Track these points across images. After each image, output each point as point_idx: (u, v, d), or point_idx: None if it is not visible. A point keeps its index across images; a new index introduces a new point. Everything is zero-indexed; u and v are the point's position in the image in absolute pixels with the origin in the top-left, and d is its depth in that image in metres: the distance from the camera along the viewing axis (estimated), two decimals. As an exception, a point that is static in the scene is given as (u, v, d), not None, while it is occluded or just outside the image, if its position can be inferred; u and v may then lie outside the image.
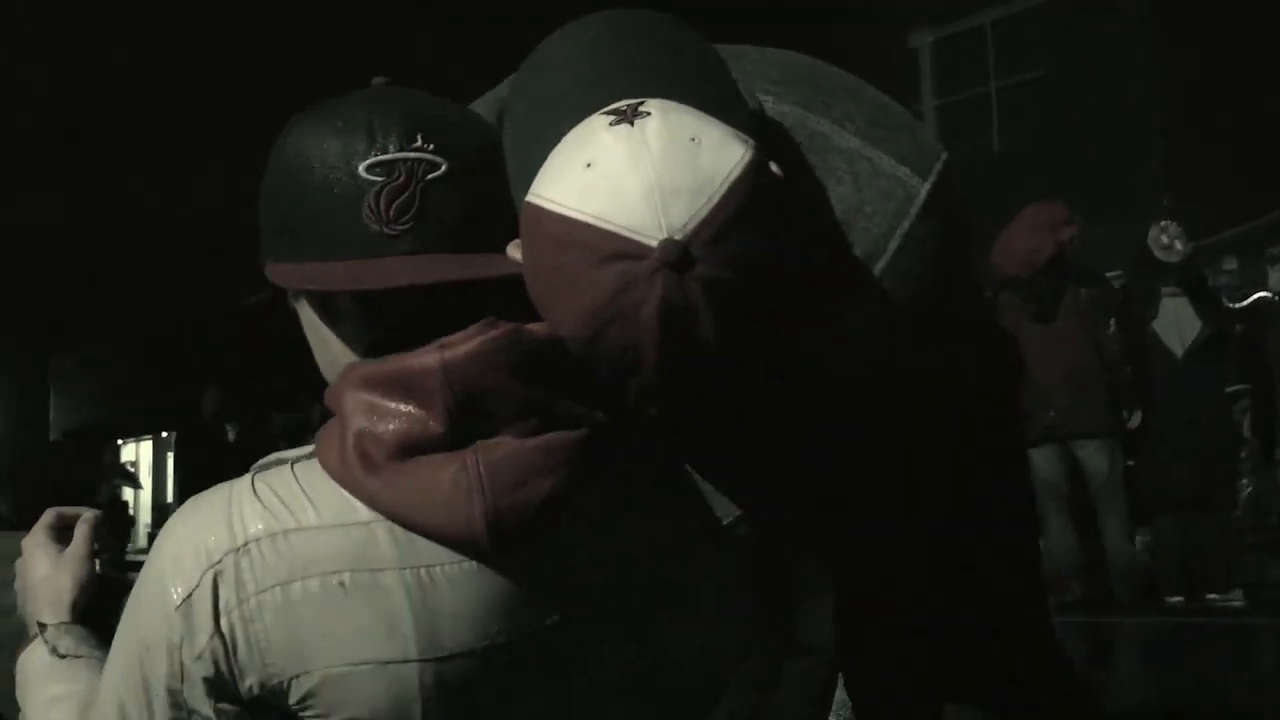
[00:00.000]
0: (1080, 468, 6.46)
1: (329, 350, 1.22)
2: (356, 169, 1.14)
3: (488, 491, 1.06)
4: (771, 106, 1.33)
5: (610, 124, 1.06)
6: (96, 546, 1.40)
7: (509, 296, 1.12)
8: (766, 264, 1.06)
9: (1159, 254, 6.48)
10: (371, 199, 1.13)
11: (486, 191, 1.17)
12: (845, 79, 1.42)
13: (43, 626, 1.33)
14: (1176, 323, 6.47)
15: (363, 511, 1.09)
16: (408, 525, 1.08)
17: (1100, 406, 6.38)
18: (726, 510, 1.21)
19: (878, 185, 1.30)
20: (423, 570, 1.08)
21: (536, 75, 1.23)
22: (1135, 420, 6.46)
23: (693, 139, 1.05)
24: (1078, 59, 13.05)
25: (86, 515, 1.44)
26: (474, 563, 1.09)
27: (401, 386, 1.09)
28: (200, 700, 1.09)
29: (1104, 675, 5.00)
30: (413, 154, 1.14)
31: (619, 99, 1.09)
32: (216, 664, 1.08)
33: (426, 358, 1.08)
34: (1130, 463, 6.68)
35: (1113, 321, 6.40)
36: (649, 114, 1.06)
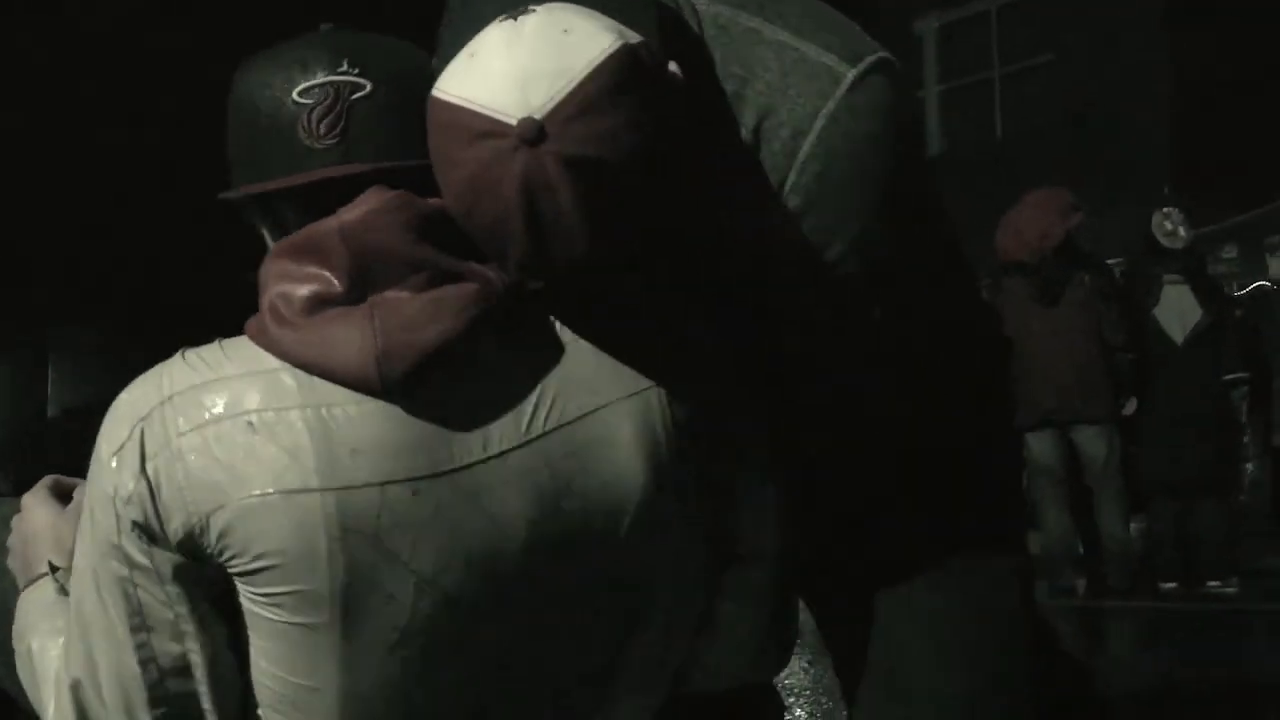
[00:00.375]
0: (1077, 453, 6.47)
1: None
2: (291, 94, 1.28)
3: (378, 336, 1.16)
4: (705, 8, 1.38)
5: (499, 21, 1.16)
6: None
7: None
8: (631, 145, 1.12)
9: (1163, 240, 6.48)
10: (304, 118, 1.27)
11: (412, 109, 1.26)
12: None
13: (54, 567, 1.39)
14: (1178, 310, 6.47)
15: (272, 361, 1.20)
16: (311, 369, 1.18)
17: (1101, 393, 6.38)
18: (638, 382, 1.25)
19: (803, 70, 1.33)
20: (324, 409, 1.17)
21: None
22: (1131, 407, 6.46)
23: (565, 30, 1.13)
24: (1082, 46, 13.02)
25: (83, 483, 1.49)
26: (374, 404, 1.17)
27: (307, 251, 1.21)
28: (134, 547, 1.19)
29: (1097, 660, 5.01)
30: (339, 77, 1.27)
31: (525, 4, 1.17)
32: (143, 507, 1.18)
33: (327, 223, 1.21)
34: (1131, 448, 6.69)
35: (1115, 308, 6.39)
36: (534, 11, 1.15)
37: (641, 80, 1.14)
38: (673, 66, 1.19)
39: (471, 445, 1.20)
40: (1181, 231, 6.47)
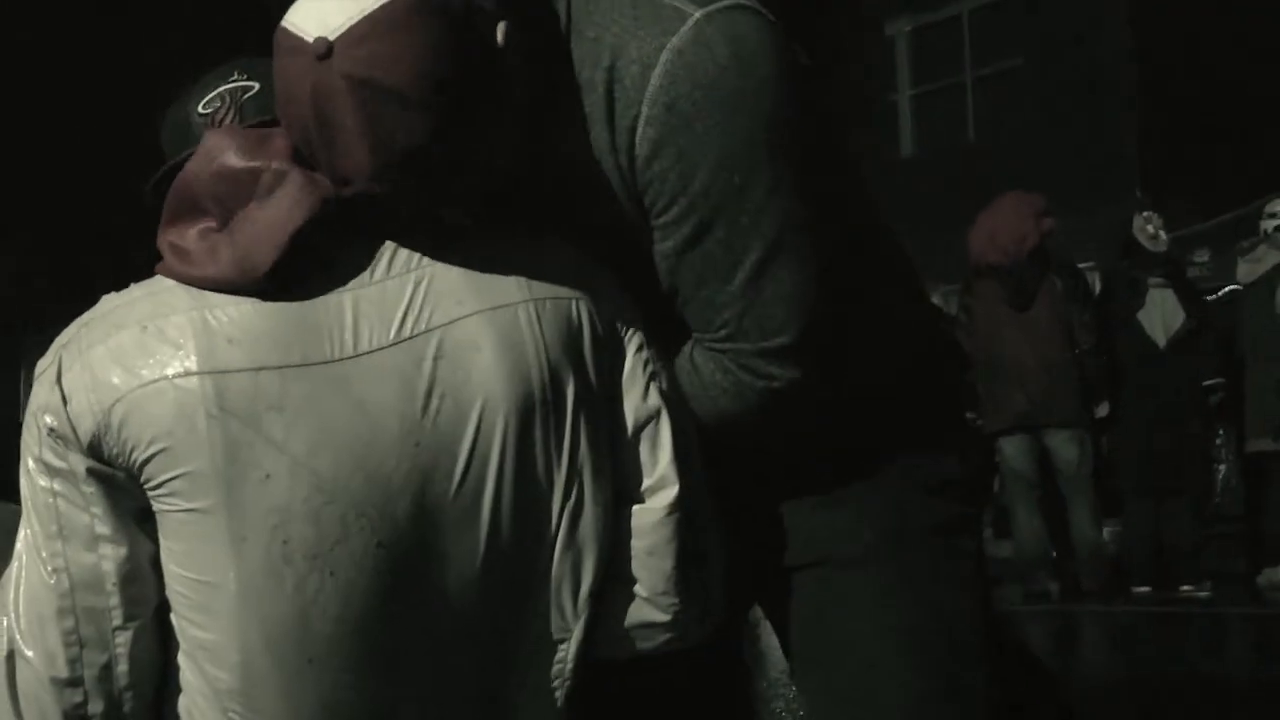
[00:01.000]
0: (1049, 457, 6.48)
1: None
2: (196, 110, 1.50)
3: (236, 243, 1.31)
4: None
5: None
6: None
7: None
8: (414, 71, 1.24)
9: (1146, 243, 6.51)
10: (208, 125, 1.46)
11: None
12: None
13: None
14: (1161, 313, 6.49)
15: (169, 282, 1.34)
16: (194, 282, 1.32)
17: (1072, 396, 6.40)
18: (504, 296, 1.33)
19: (653, 13, 1.37)
20: (206, 310, 1.30)
21: None
22: (1103, 410, 6.48)
23: None
24: (1054, 49, 13.08)
25: None
26: (251, 303, 1.30)
27: (178, 203, 1.37)
28: (52, 453, 1.30)
29: (1069, 663, 5.01)
30: (231, 84, 1.49)
31: None
32: (58, 414, 1.29)
33: (182, 173, 1.37)
34: (1103, 452, 6.71)
35: (1087, 311, 6.41)
36: None
37: (435, 15, 1.25)
38: (502, 33, 1.29)
39: (344, 342, 1.30)
40: (1162, 234, 6.51)
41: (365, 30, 1.24)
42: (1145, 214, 6.55)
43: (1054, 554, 6.60)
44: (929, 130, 14.30)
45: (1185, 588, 6.41)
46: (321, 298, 1.32)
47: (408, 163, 1.27)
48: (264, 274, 1.29)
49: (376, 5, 1.25)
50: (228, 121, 1.46)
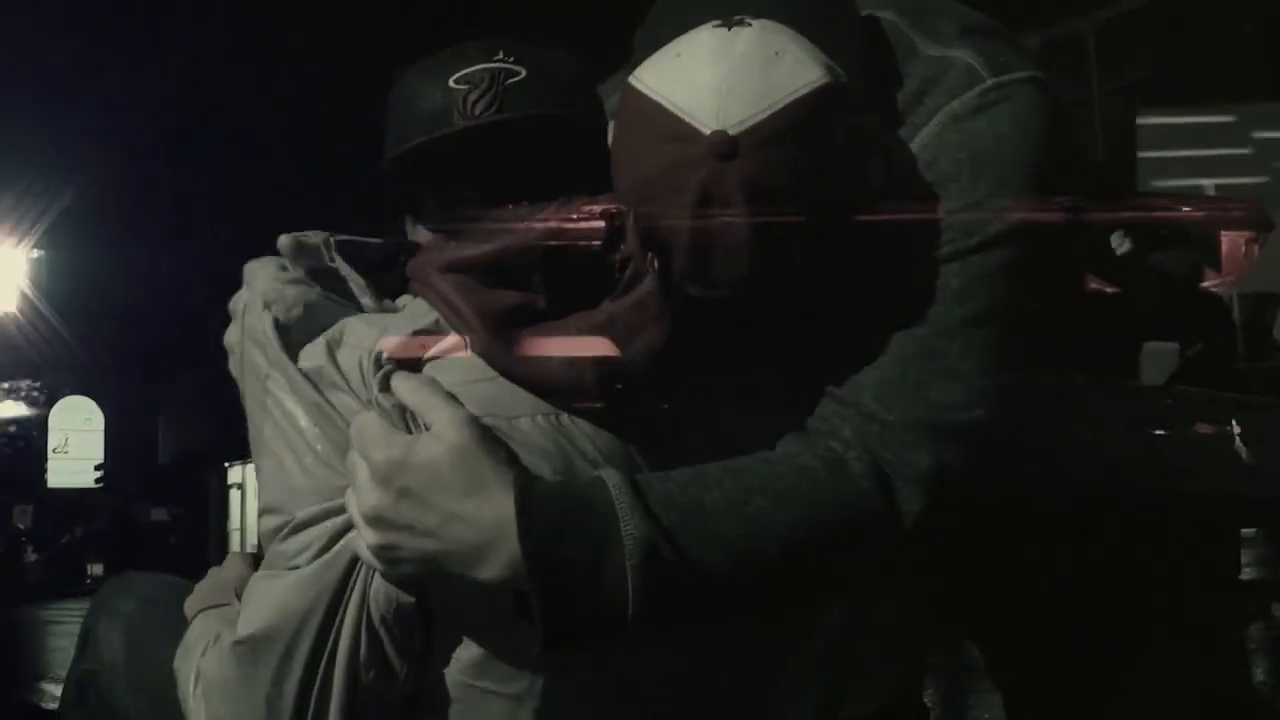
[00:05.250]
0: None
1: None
2: (449, 80, 1.31)
3: (592, 352, 1.17)
4: (866, 14, 1.35)
5: (713, 27, 1.15)
6: None
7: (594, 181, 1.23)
8: (812, 182, 1.11)
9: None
10: (459, 101, 1.30)
11: (568, 96, 1.33)
12: (955, 4, 1.39)
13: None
14: None
15: (488, 369, 1.20)
16: (528, 385, 1.18)
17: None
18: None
19: (944, 78, 1.27)
20: (553, 415, 1.19)
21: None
22: None
23: (777, 53, 1.12)
24: (1184, 61, 12.81)
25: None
26: (600, 411, 1.18)
27: (495, 270, 1.22)
28: None
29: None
30: (495, 64, 1.31)
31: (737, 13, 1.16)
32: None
33: (514, 244, 1.22)
34: None
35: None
36: (749, 25, 1.14)
37: (836, 121, 1.13)
38: (862, 120, 1.17)
39: (693, 449, 1.20)
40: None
41: (774, 131, 1.10)
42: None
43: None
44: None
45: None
46: (661, 399, 1.21)
47: (778, 270, 1.15)
48: (620, 393, 1.18)
49: (785, 102, 1.10)
50: (483, 102, 1.29)
